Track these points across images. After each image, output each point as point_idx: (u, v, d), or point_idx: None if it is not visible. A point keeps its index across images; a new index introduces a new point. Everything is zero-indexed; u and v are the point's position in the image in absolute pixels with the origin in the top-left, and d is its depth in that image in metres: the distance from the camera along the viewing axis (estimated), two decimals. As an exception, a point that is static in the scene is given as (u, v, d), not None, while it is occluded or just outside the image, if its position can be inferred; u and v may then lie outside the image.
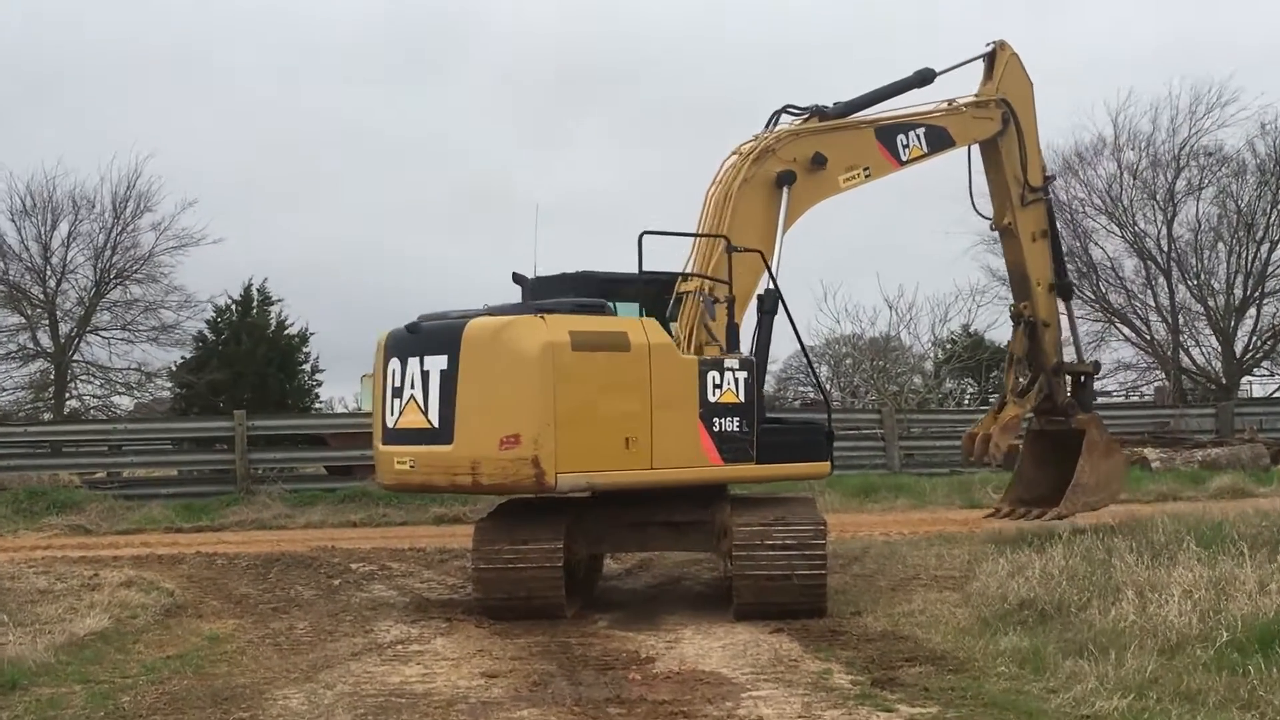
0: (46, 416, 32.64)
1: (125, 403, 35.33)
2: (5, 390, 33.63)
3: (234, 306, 32.65)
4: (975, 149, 14.75)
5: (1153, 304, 37.10)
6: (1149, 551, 11.11)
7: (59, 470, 24.10)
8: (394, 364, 11.31)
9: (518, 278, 12.31)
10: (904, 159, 13.55)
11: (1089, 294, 37.54)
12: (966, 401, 37.66)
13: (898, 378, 37.19)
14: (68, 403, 33.73)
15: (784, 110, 13.14)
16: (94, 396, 34.89)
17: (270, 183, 62.26)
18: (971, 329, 37.72)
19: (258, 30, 65.65)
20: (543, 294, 11.71)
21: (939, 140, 13.87)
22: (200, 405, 31.15)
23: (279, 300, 33.25)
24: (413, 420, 11.06)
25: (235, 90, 60.81)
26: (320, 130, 66.47)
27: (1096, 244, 37.46)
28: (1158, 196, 36.20)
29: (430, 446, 10.90)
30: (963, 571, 12.75)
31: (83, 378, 34.47)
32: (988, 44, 14.94)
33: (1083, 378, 15.87)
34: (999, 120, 14.59)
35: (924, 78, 14.24)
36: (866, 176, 13.23)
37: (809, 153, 12.60)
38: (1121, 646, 8.46)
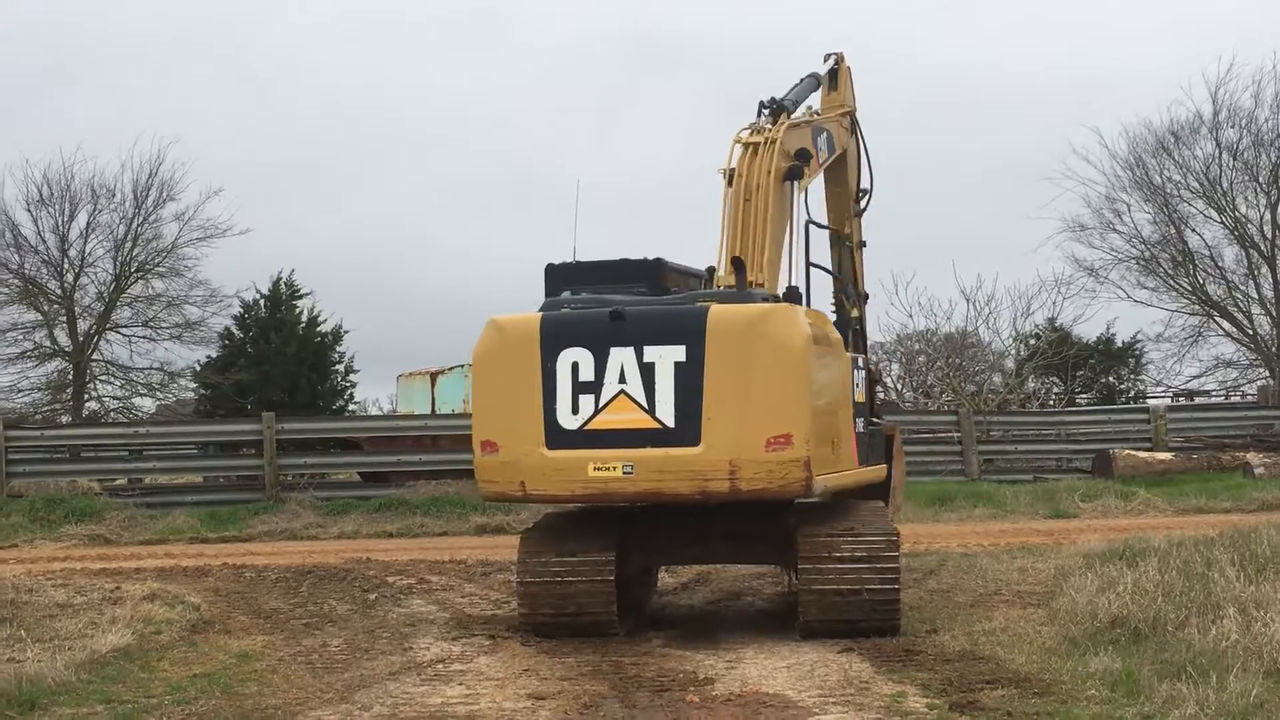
0: (64, 419, 33.08)
1: (147, 404, 35.80)
2: (21, 391, 34.17)
3: (262, 302, 32.98)
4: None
5: (1255, 295, 36.69)
6: (1253, 565, 10.98)
7: (78, 476, 24.45)
8: (572, 354, 10.63)
9: (552, 269, 12.44)
10: (821, 162, 13.65)
11: (1185, 285, 37.19)
12: (1051, 402, 37.39)
13: (975, 376, 36.99)
14: (86, 404, 34.20)
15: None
16: (114, 398, 35.39)
17: (300, 169, 62.80)
18: (1057, 323, 37.49)
19: (286, 3, 66.27)
20: (592, 281, 11.80)
21: (832, 147, 14.00)
22: (226, 407, 31.50)
23: (309, 294, 33.57)
24: (625, 419, 10.55)
25: (262, 69, 61.37)
26: (353, 111, 66.97)
27: (1193, 230, 37.14)
28: (1260, 178, 35.78)
29: (662, 449, 10.46)
30: (1048, 586, 12.65)
31: (102, 378, 34.98)
32: (828, 56, 15.32)
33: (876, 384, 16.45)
34: (850, 131, 14.88)
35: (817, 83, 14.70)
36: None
37: (797, 148, 12.77)
38: (1223, 668, 8.36)
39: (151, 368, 34.79)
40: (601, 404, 10.57)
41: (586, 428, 10.58)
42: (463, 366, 28.92)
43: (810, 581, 10.89)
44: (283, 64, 66.06)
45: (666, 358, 10.44)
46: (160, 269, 34.50)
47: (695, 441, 10.37)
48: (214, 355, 34.09)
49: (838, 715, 8.31)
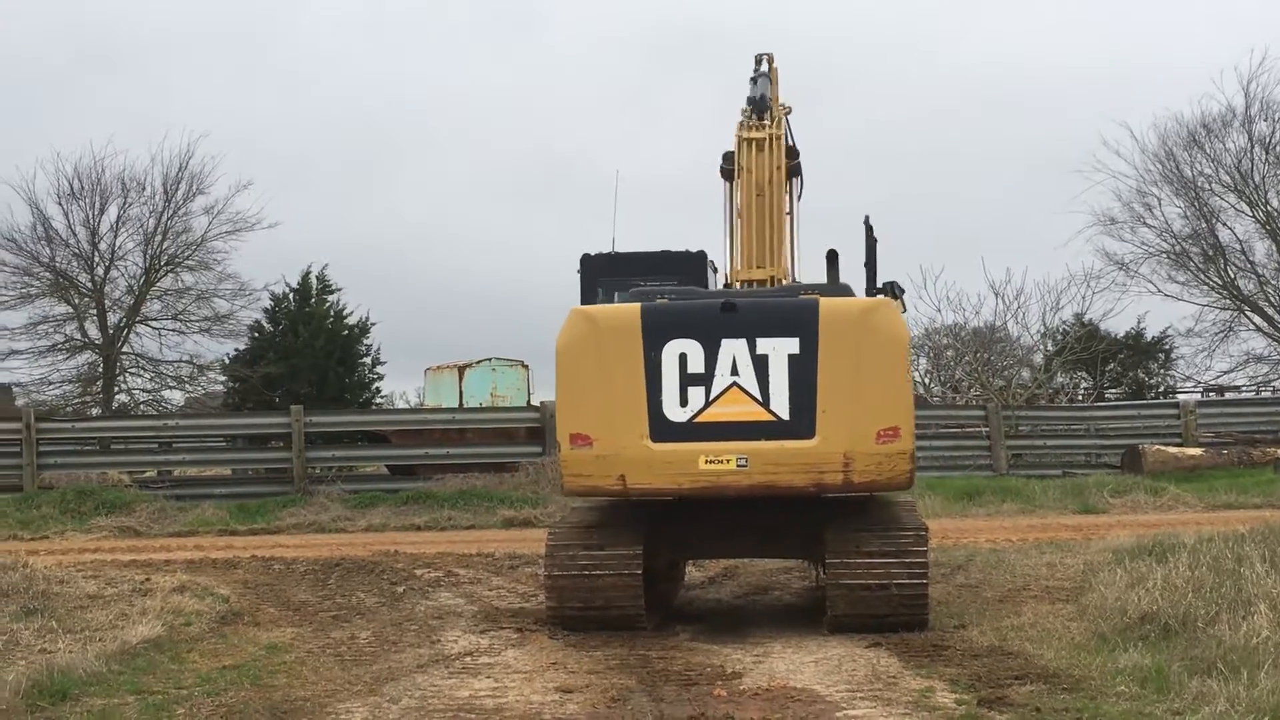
0: (95, 411, 33.29)
1: (176, 397, 35.98)
2: (52, 384, 34.37)
3: (291, 295, 33.08)
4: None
5: (1287, 290, 36.47)
6: (1285, 561, 10.92)
7: (108, 469, 24.62)
8: (679, 345, 10.57)
9: (586, 259, 12.55)
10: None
11: (1215, 279, 36.98)
12: (1080, 397, 37.23)
13: (1004, 371, 36.86)
14: (116, 397, 34.38)
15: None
16: (144, 390, 35.58)
17: (329, 162, 63.00)
18: (1086, 318, 37.35)
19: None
20: (632, 272, 11.88)
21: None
22: (255, 400, 31.63)
23: (338, 289, 33.67)
24: (737, 412, 10.53)
25: (293, 62, 61.58)
26: (383, 105, 67.13)
27: (1224, 224, 36.97)
28: (1293, 172, 35.54)
29: (776, 442, 10.49)
30: (1077, 582, 12.61)
31: (132, 370, 35.16)
32: (760, 56, 15.53)
33: None
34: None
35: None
36: None
37: (789, 144, 13.01)
38: (1254, 665, 8.31)
39: (181, 361, 34.99)
40: (713, 396, 10.52)
41: (696, 420, 10.54)
42: (489, 360, 29.01)
43: (838, 576, 10.88)
44: (313, 57, 66.36)
45: (780, 350, 10.44)
46: (190, 262, 34.70)
47: (810, 434, 10.44)
48: (243, 348, 34.23)
49: (866, 710, 8.31)
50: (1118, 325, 39.36)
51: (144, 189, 34.32)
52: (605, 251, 12.29)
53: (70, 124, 54.70)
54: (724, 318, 10.55)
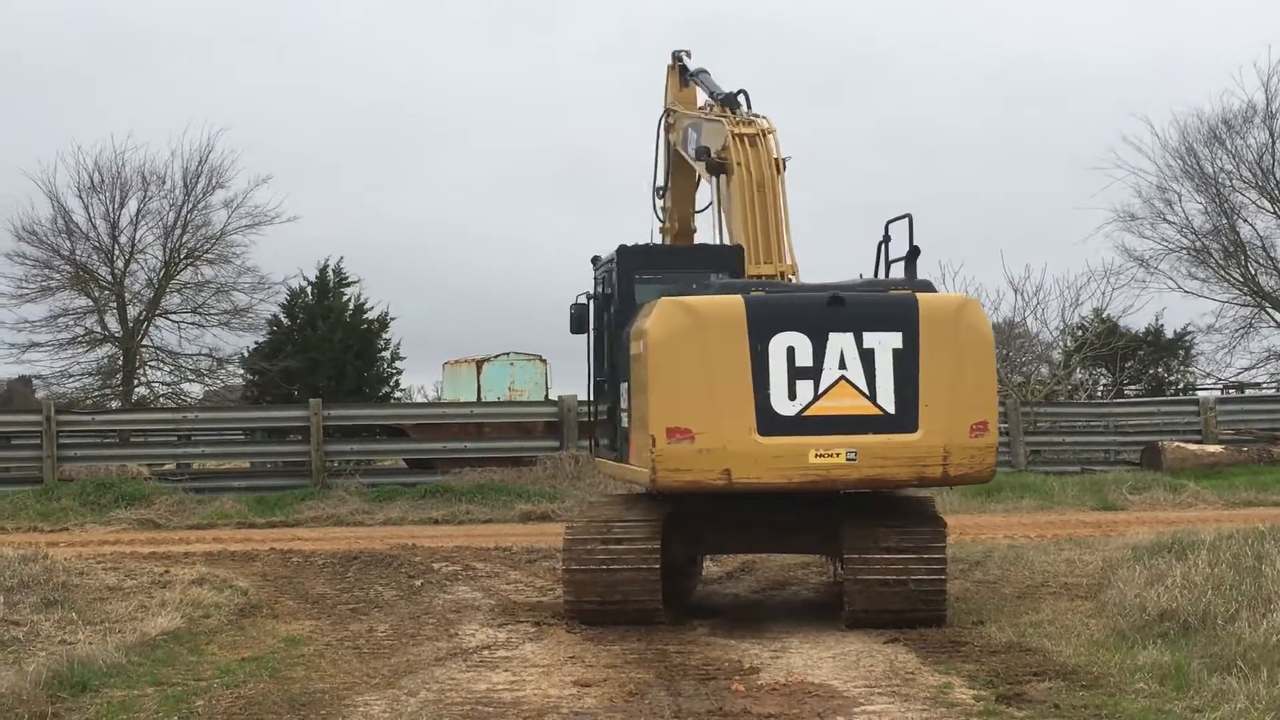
0: (114, 404, 33.36)
1: (195, 390, 36.02)
2: (72, 376, 34.42)
3: (309, 289, 33.11)
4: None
5: (1308, 287, 36.31)
6: (1304, 559, 10.88)
7: (127, 461, 24.65)
8: (786, 339, 10.52)
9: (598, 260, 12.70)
10: None
11: (1236, 276, 36.82)
12: (1100, 393, 37.11)
13: (1023, 367, 36.72)
14: (136, 390, 34.45)
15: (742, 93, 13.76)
16: (163, 384, 35.63)
17: (348, 156, 63.10)
18: (1105, 314, 37.14)
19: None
20: (672, 265, 11.94)
21: None
22: (273, 394, 31.67)
23: (356, 281, 33.69)
24: (846, 406, 10.57)
25: (312, 56, 61.70)
26: (401, 98, 67.21)
27: (1245, 221, 36.79)
28: (1315, 168, 35.37)
29: (883, 435, 10.57)
30: (1095, 579, 12.59)
31: (151, 364, 35.21)
32: (679, 52, 15.93)
33: None
34: None
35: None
36: None
37: None
38: (1275, 663, 8.29)
39: (200, 354, 35.00)
40: (822, 390, 10.53)
41: (805, 414, 10.52)
42: (507, 354, 29.01)
43: (856, 571, 10.87)
44: (333, 51, 66.41)
45: (885, 344, 10.53)
46: (209, 256, 34.70)
47: (913, 428, 10.54)
48: (262, 341, 34.25)
49: (883, 706, 8.30)
50: (1137, 321, 39.18)
51: (164, 182, 34.35)
52: (644, 243, 12.33)
53: (91, 117, 54.92)
54: (831, 311, 10.60)
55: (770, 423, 10.48)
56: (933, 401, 10.55)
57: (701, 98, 15.28)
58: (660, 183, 16.11)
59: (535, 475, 22.97)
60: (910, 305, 10.67)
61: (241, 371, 35.23)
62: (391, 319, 33.80)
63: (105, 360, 34.70)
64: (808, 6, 69.80)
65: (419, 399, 38.85)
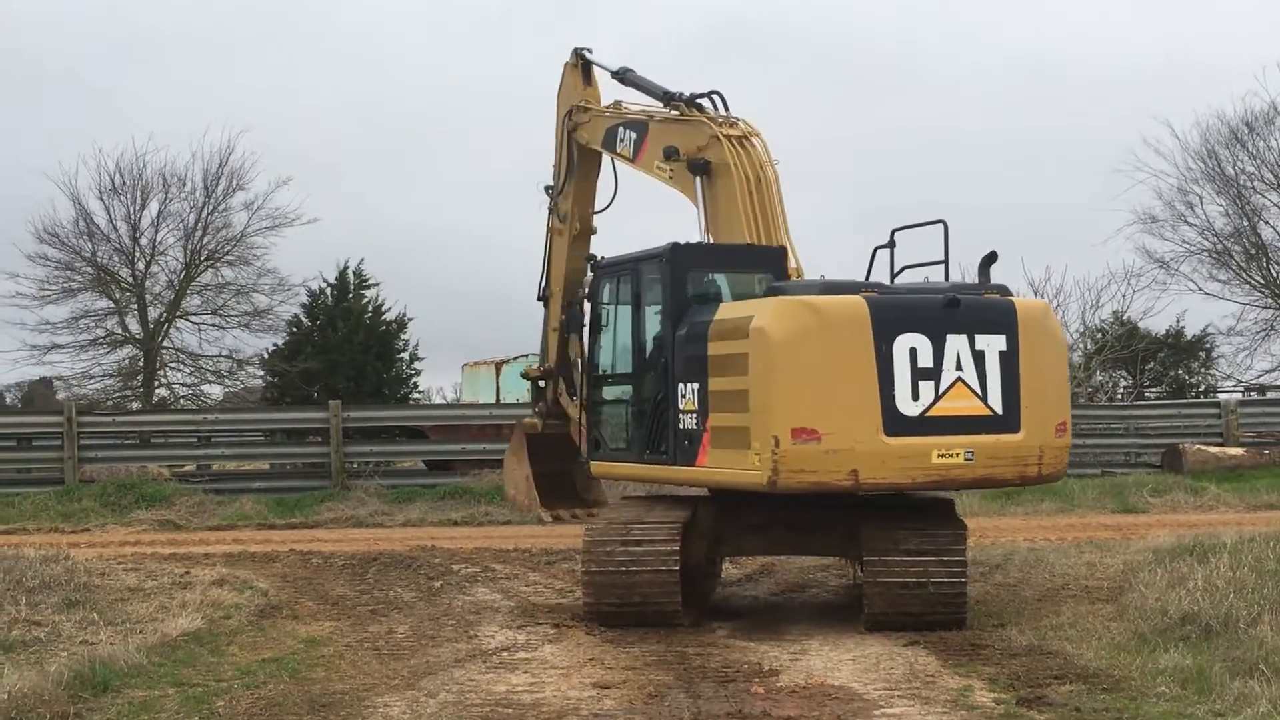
0: (135, 405, 33.48)
1: (215, 392, 36.14)
2: (93, 378, 34.58)
3: (329, 290, 33.18)
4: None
5: (1331, 289, 36.15)
6: (1327, 562, 10.83)
7: (148, 462, 24.70)
8: (909, 340, 10.55)
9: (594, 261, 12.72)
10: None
11: (1258, 278, 36.68)
12: (1120, 396, 36.98)
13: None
14: (156, 391, 34.57)
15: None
16: (183, 385, 35.76)
17: (367, 158, 63.20)
18: (1125, 316, 37.04)
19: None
20: (721, 265, 11.92)
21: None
22: (293, 395, 31.75)
23: (376, 284, 33.75)
24: (963, 406, 10.69)
25: (333, 57, 61.81)
26: (422, 100, 67.26)
27: (1267, 223, 36.68)
28: (1337, 170, 35.21)
29: (994, 436, 10.74)
30: (1116, 582, 12.54)
31: (172, 365, 35.35)
32: (581, 49, 15.90)
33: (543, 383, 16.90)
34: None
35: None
36: None
37: None
38: (1297, 667, 8.26)
39: (220, 355, 35.13)
40: (941, 391, 10.62)
41: (928, 414, 10.59)
42: (527, 356, 29.01)
43: (876, 574, 10.85)
44: (354, 53, 66.52)
45: (993, 346, 10.72)
46: (229, 257, 34.84)
47: (1016, 428, 10.78)
48: (281, 343, 34.35)
49: (904, 709, 8.28)
50: (1158, 324, 39.02)
51: (184, 184, 34.50)
52: (695, 241, 12.27)
53: (112, 120, 55.09)
54: (947, 313, 10.68)
55: (895, 423, 10.50)
56: (1031, 403, 10.84)
57: (606, 96, 15.36)
58: (555, 182, 16.10)
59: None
60: (1011, 309, 10.95)
61: (261, 373, 35.33)
62: (411, 320, 33.88)
63: (126, 362, 34.87)
64: (816, 9, 69.71)
65: (438, 400, 38.91)
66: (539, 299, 16.99)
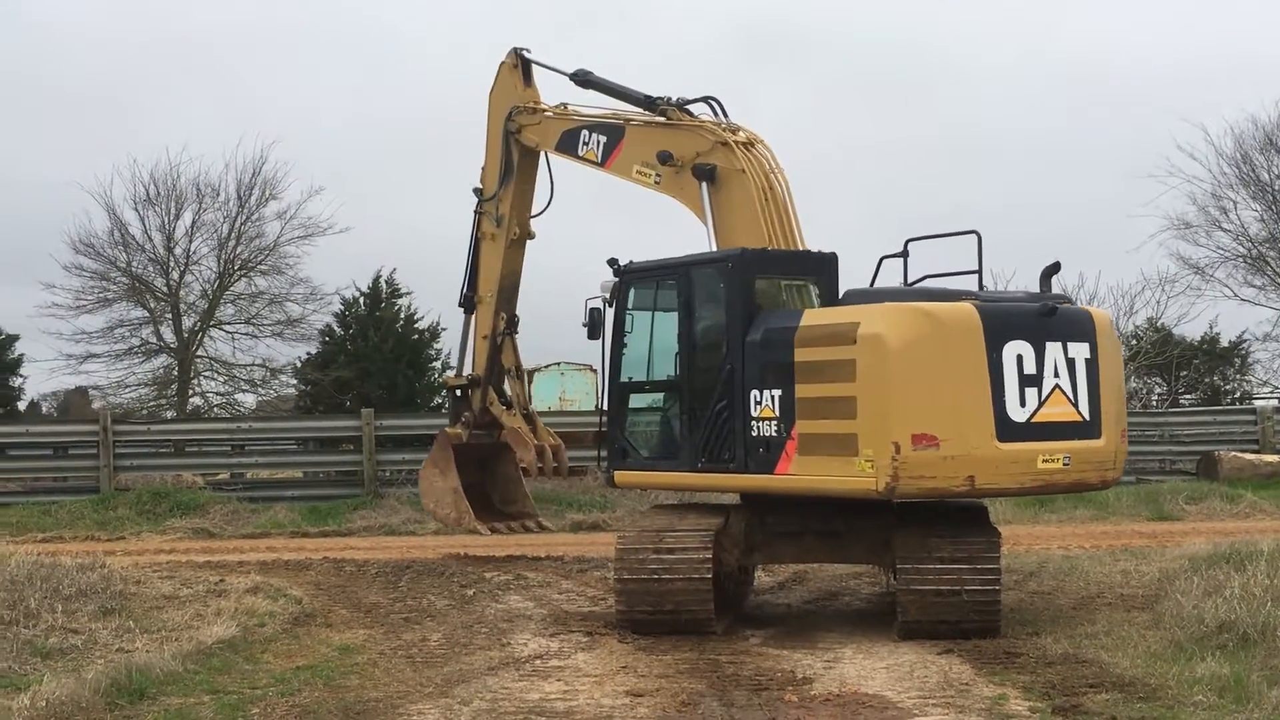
0: (169, 414, 33.69)
1: (249, 400, 36.32)
2: (128, 387, 34.85)
3: (362, 299, 33.32)
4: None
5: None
6: (1365, 570, 10.74)
7: (182, 471, 24.87)
8: (1015, 347, 10.66)
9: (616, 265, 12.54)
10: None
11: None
12: (1154, 403, 36.76)
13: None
14: (190, 400, 34.79)
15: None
16: (217, 394, 36.00)
17: (399, 167, 63.34)
18: (1159, 323, 36.84)
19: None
20: (778, 270, 11.91)
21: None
22: (326, 403, 31.90)
23: (408, 293, 33.87)
24: (1060, 413, 10.87)
25: (366, 62, 61.97)
26: (456, 109, 67.29)
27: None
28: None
29: (1084, 441, 10.98)
30: (1152, 590, 12.46)
31: (206, 374, 35.59)
32: (519, 49, 15.82)
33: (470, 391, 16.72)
34: None
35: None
36: None
37: None
38: (1336, 676, 8.20)
39: (253, 364, 35.34)
40: (1044, 397, 10.77)
41: (1033, 420, 10.73)
42: (558, 364, 29.07)
43: (909, 582, 10.82)
44: (388, 57, 66.72)
45: (1079, 354, 10.93)
46: (262, 267, 35.04)
47: (1099, 434, 11.03)
48: (314, 352, 34.52)
49: (938, 717, 8.26)
50: (1192, 330, 38.78)
51: (218, 194, 34.75)
52: (760, 248, 12.14)
53: (146, 130, 55.45)
54: (1044, 321, 10.84)
55: (1006, 429, 10.59)
56: (1107, 409, 11.11)
57: (549, 99, 15.33)
58: (484, 185, 15.88)
59: (586, 485, 22.95)
60: (1090, 318, 11.24)
61: (294, 381, 35.52)
62: (443, 329, 33.99)
63: (160, 371, 35.12)
64: (858, 11, 69.61)
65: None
66: (460, 305, 16.83)
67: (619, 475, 12.52)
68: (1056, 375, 10.79)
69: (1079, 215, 52.63)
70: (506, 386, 16.73)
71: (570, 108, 15.10)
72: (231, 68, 61.31)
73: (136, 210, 34.60)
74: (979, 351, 10.49)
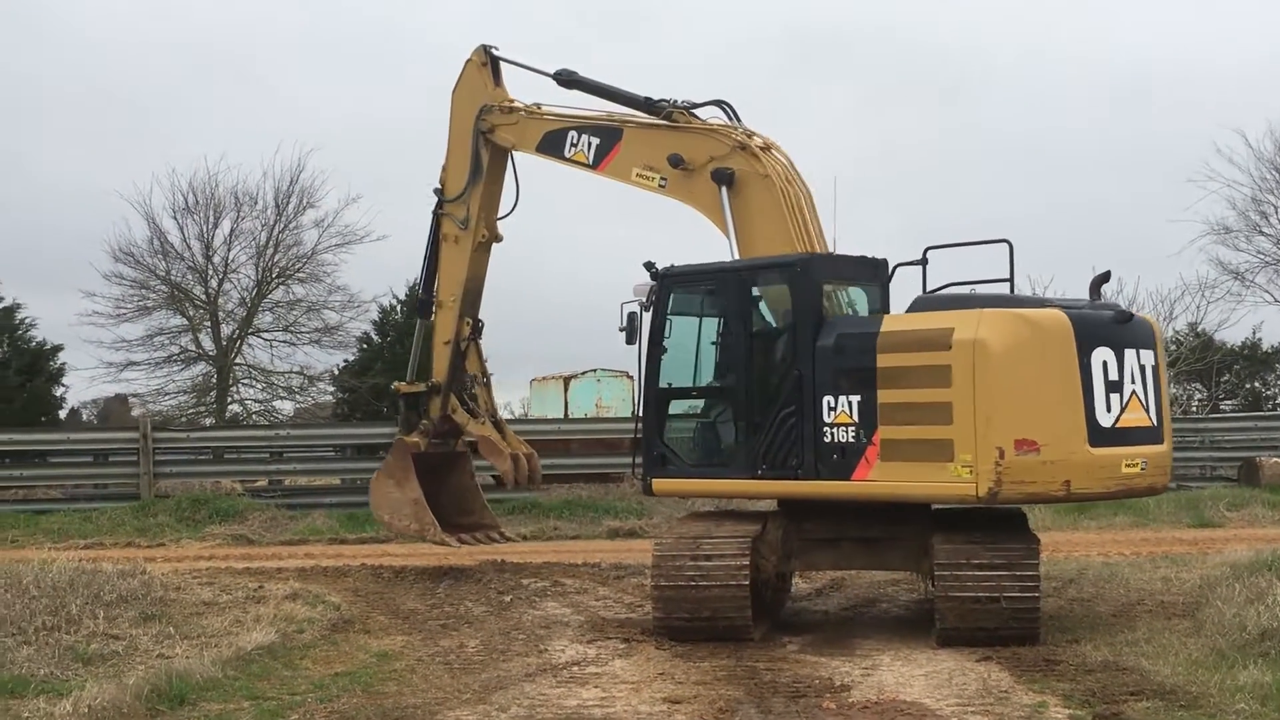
0: (208, 421, 33.90)
1: (287, 408, 36.50)
2: (168, 394, 35.07)
3: (399, 307, 33.43)
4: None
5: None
6: None
7: (221, 478, 25.01)
8: (1101, 354, 10.79)
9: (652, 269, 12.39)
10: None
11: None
12: (1195, 409, 36.51)
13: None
14: (229, 407, 34.99)
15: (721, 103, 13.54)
16: (255, 401, 36.19)
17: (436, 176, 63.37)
18: (1200, 328, 36.60)
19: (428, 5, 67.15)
20: (844, 275, 11.89)
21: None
22: (363, 410, 32.00)
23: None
24: (1137, 419, 11.06)
25: (402, 69, 62.16)
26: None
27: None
28: None
29: (1154, 446, 11.20)
30: (1193, 597, 12.37)
31: (244, 381, 35.79)
32: (486, 46, 15.38)
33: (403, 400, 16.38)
34: None
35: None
36: None
37: None
38: (1380, 684, 8.12)
39: (291, 371, 35.52)
40: (1125, 402, 10.92)
41: (1116, 425, 10.88)
42: (595, 371, 29.08)
43: (948, 588, 10.77)
44: (424, 64, 66.93)
45: (1147, 362, 11.13)
46: (300, 274, 35.22)
47: (1163, 439, 11.25)
48: (352, 359, 34.66)
49: (977, 725, 8.22)
50: (1233, 335, 38.52)
51: (256, 203, 34.96)
52: (825, 253, 12.04)
53: (184, 139, 55.80)
54: (1120, 329, 11.02)
55: (1096, 434, 10.73)
56: (1166, 415, 11.41)
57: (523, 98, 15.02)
58: (446, 186, 15.52)
59: (622, 491, 22.98)
60: (1150, 326, 11.54)
61: (332, 389, 35.65)
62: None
63: (199, 378, 35.33)
64: (905, 16, 69.39)
65: (506, 416, 39.02)
66: (417, 310, 16.55)
67: (657, 483, 12.26)
68: (1133, 382, 10.93)
69: (1119, 219, 52.26)
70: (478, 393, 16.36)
71: (545, 108, 14.78)
72: (271, 75, 61.68)
73: (175, 219, 34.89)
74: (1072, 357, 10.63)
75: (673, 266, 12.39)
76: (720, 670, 10.09)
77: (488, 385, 16.63)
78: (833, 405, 11.10)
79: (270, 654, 10.66)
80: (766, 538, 11.61)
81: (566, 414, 27.82)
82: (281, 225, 35.01)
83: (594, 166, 13.94)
